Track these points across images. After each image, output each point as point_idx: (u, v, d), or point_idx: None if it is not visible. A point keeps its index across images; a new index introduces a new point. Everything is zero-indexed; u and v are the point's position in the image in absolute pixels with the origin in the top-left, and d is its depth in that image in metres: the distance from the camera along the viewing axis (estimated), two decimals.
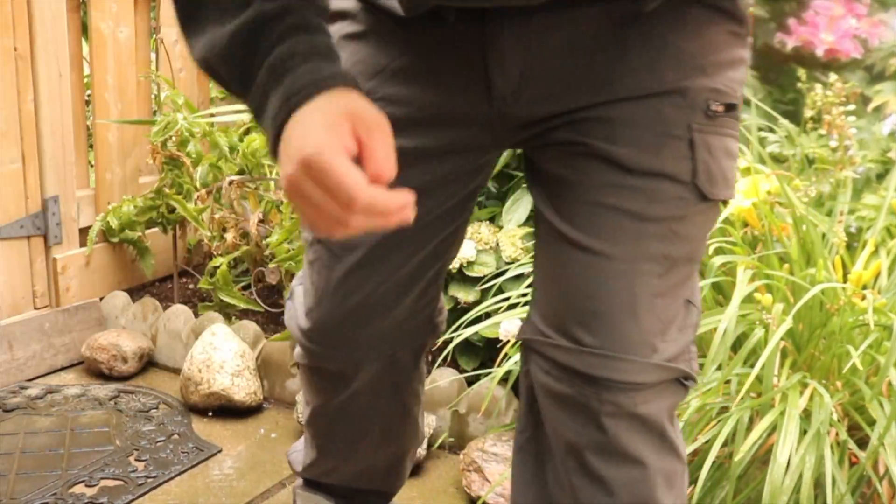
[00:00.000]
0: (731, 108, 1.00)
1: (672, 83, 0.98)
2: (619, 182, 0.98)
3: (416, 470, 1.92)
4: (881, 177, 2.12)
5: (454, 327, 1.93)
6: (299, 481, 1.56)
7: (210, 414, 2.14)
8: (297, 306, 1.27)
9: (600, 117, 0.98)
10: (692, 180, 0.98)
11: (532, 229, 1.65)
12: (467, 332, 1.83)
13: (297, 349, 1.30)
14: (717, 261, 1.61)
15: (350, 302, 1.14)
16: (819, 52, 2.49)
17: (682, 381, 1.02)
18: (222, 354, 2.15)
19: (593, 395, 0.97)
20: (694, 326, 1.04)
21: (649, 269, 0.98)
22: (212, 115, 2.61)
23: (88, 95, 2.59)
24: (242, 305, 2.40)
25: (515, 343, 1.18)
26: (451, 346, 1.89)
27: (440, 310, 1.28)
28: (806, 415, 1.42)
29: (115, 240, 2.52)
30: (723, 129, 1.00)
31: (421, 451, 1.90)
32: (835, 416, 1.45)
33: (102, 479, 1.87)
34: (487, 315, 1.89)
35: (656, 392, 0.99)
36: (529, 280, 1.89)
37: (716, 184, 1.00)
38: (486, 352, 2.03)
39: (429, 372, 2.08)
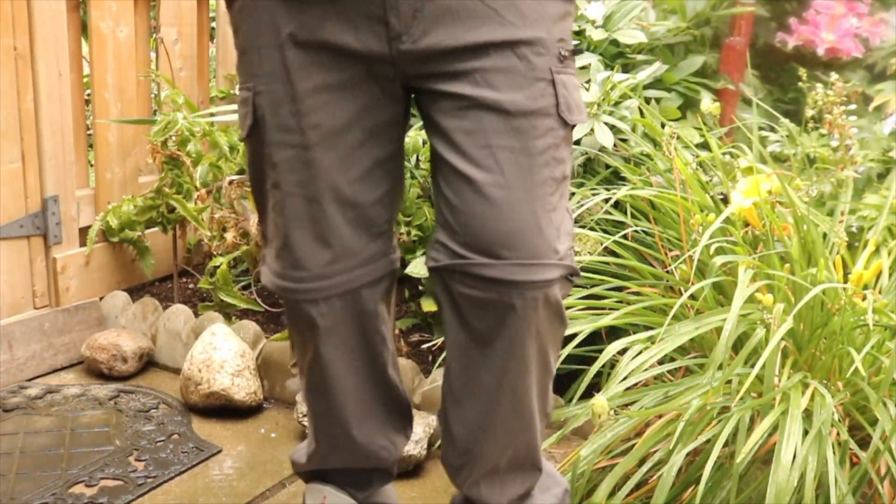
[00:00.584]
0: (573, 52, 1.28)
1: (533, 34, 1.22)
2: (507, 125, 1.22)
3: (417, 470, 1.92)
4: (882, 176, 2.11)
5: None
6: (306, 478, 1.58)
7: (210, 414, 2.14)
8: (267, 261, 1.40)
9: (482, 68, 1.22)
10: (557, 112, 1.25)
11: None
12: None
13: (286, 310, 1.43)
14: (718, 261, 1.60)
15: (309, 229, 1.31)
16: (820, 52, 2.49)
17: (569, 277, 1.30)
18: (222, 354, 2.14)
19: (517, 295, 1.24)
20: (572, 231, 1.32)
21: (543, 192, 1.25)
22: (212, 115, 2.61)
23: (88, 95, 2.58)
24: (242, 305, 2.40)
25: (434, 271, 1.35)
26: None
27: (394, 248, 1.43)
28: (807, 415, 1.42)
29: (115, 239, 2.52)
30: (570, 70, 1.27)
31: (421, 451, 1.90)
32: (836, 417, 1.45)
33: (102, 479, 1.87)
34: None
35: (559, 284, 1.28)
36: None
37: (573, 112, 1.27)
38: None
39: (429, 371, 2.07)
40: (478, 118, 1.23)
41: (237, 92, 1.37)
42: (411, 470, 1.92)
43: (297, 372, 1.53)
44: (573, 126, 1.29)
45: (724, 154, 2.03)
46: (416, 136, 2.17)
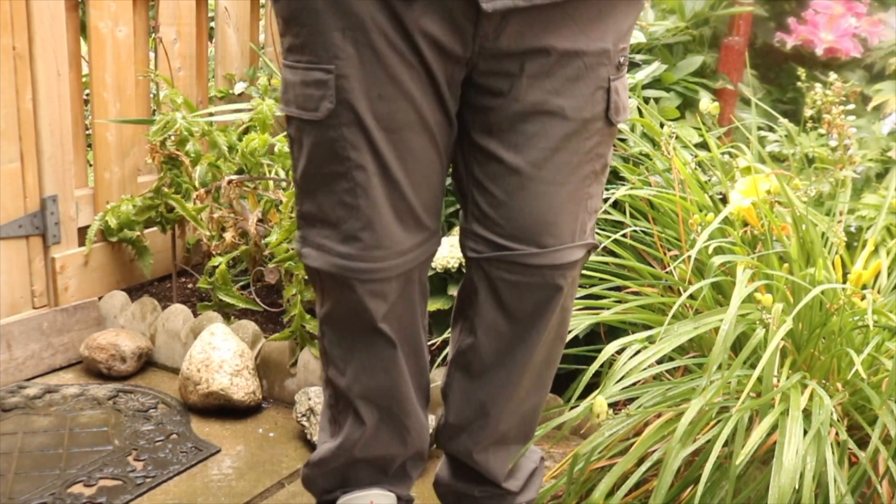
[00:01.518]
0: (628, 57, 1.37)
1: (601, 44, 1.30)
2: (567, 129, 1.32)
3: None
4: (881, 176, 2.12)
5: None
6: (335, 495, 1.59)
7: (209, 414, 2.14)
8: (322, 245, 1.38)
9: (551, 73, 1.29)
10: (606, 115, 1.34)
11: None
12: None
13: (331, 301, 1.45)
14: (717, 260, 1.60)
15: (391, 210, 1.35)
16: (819, 51, 2.49)
17: (595, 246, 1.45)
18: (221, 354, 2.14)
19: (560, 276, 1.39)
20: (599, 207, 1.45)
21: (585, 184, 1.37)
22: (210, 115, 2.61)
23: (87, 94, 2.58)
24: (241, 305, 2.40)
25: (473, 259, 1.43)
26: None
27: (439, 228, 1.48)
28: (806, 415, 1.42)
29: (114, 239, 2.52)
30: (623, 74, 1.36)
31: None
32: (834, 416, 1.45)
33: (101, 478, 1.87)
34: None
35: (583, 260, 1.44)
36: None
37: (620, 113, 1.37)
38: None
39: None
40: (542, 122, 1.32)
41: (289, 71, 1.33)
42: None
43: (338, 369, 1.52)
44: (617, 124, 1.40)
45: (722, 154, 2.04)
46: None
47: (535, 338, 1.45)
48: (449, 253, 2.11)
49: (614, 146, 2.08)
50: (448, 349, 1.60)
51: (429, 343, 2.16)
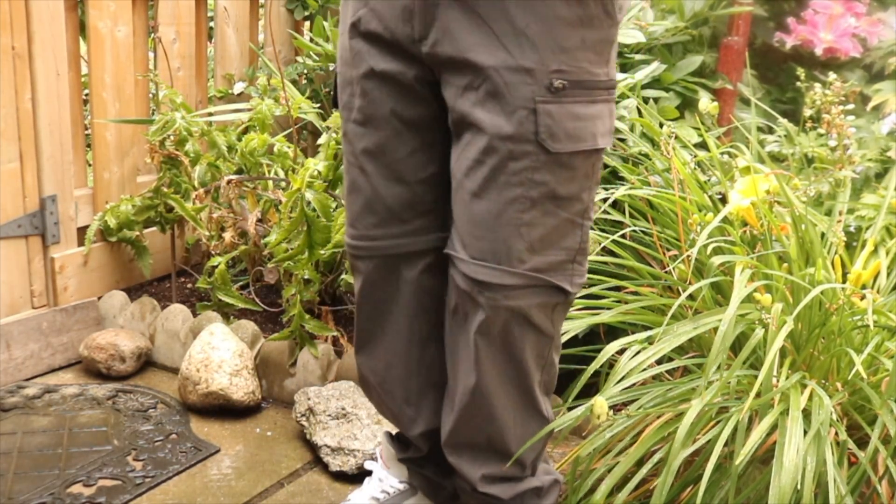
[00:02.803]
0: (578, 84, 1.32)
1: (523, 63, 1.29)
2: (488, 145, 1.33)
3: None
4: (880, 176, 2.12)
5: None
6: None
7: (208, 413, 2.14)
8: None
9: (480, 87, 1.32)
10: (536, 139, 1.31)
11: None
12: None
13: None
14: (716, 260, 1.60)
15: (360, 195, 1.50)
16: (818, 51, 2.49)
17: (557, 287, 1.40)
18: (220, 354, 2.14)
19: (478, 293, 1.38)
20: (574, 249, 1.40)
21: (514, 207, 1.34)
22: (210, 115, 2.61)
23: (86, 94, 2.58)
24: (241, 305, 2.40)
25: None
26: None
27: (444, 227, 1.51)
28: (805, 415, 1.42)
29: (113, 239, 2.52)
30: (567, 100, 1.32)
31: None
32: (834, 416, 1.45)
33: (100, 478, 1.87)
34: None
35: (524, 292, 1.38)
36: None
37: (559, 141, 1.32)
38: None
39: None
40: (472, 134, 1.36)
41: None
42: None
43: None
44: (570, 154, 1.34)
45: (722, 154, 2.04)
46: None
47: (465, 351, 1.45)
48: None
49: (614, 146, 2.09)
50: None
51: None
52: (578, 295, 1.85)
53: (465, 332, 1.44)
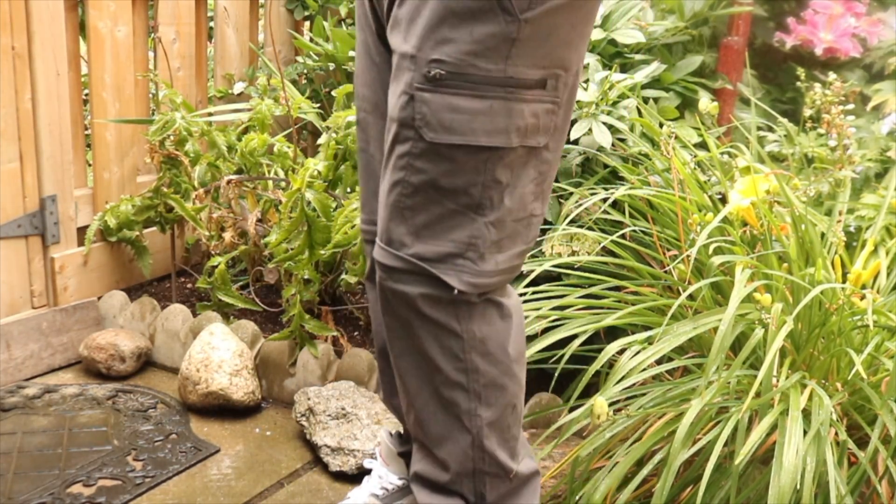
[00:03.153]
0: (459, 76, 1.29)
1: (407, 49, 1.31)
2: (388, 124, 1.37)
3: None
4: (880, 176, 2.12)
5: None
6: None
7: (208, 413, 2.14)
8: None
9: (394, 64, 1.35)
10: (413, 125, 1.31)
11: None
12: None
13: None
14: (716, 260, 1.60)
15: (367, 179, 1.58)
16: (818, 51, 2.49)
17: (440, 281, 1.36)
18: (220, 354, 2.14)
19: (377, 266, 1.41)
20: (464, 243, 1.36)
21: (398, 190, 1.36)
22: (210, 115, 2.61)
23: (86, 94, 2.58)
24: (241, 305, 2.39)
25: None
26: None
27: None
28: (805, 415, 1.42)
29: (113, 239, 2.52)
30: (446, 91, 1.29)
31: None
32: (834, 416, 1.45)
33: (100, 478, 1.87)
34: None
35: (408, 278, 1.37)
36: (528, 280, 1.89)
37: (435, 130, 1.31)
38: None
39: None
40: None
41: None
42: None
43: None
44: (449, 146, 1.31)
45: (722, 154, 2.04)
46: None
47: (387, 329, 1.46)
48: None
49: (613, 146, 2.09)
50: None
51: None
52: (579, 294, 1.85)
53: (383, 310, 1.45)
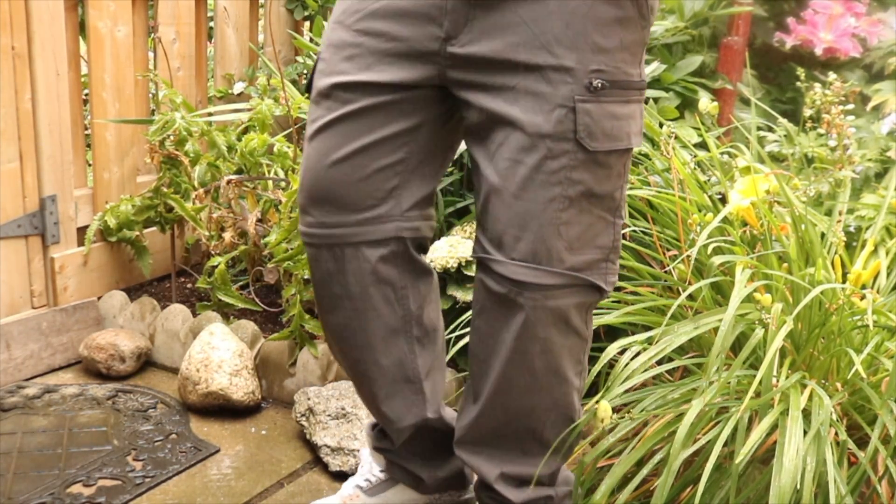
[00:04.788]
0: (615, 83, 1.35)
1: (562, 62, 1.32)
2: (524, 143, 1.35)
3: None
4: (880, 176, 2.12)
5: (452, 327, 1.93)
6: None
7: (208, 413, 2.14)
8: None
9: (515, 87, 1.34)
10: (574, 137, 1.34)
11: None
12: (466, 332, 1.83)
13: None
14: (716, 260, 1.60)
15: (316, 183, 1.46)
16: (818, 51, 2.49)
17: (592, 287, 1.42)
18: (220, 354, 2.14)
19: (518, 294, 1.39)
20: (608, 247, 1.43)
21: (553, 206, 1.36)
22: (210, 115, 2.61)
23: (86, 94, 2.58)
24: (240, 305, 2.39)
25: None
26: (449, 346, 1.89)
27: (409, 217, 1.51)
28: (805, 415, 1.42)
29: (113, 239, 2.52)
30: (605, 99, 1.34)
31: None
32: (834, 416, 1.45)
33: (100, 478, 1.87)
34: None
35: (564, 292, 1.40)
36: None
37: (596, 139, 1.35)
38: None
39: None
40: (505, 133, 1.36)
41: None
42: None
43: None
44: (606, 153, 1.37)
45: (722, 154, 2.04)
46: None
47: (502, 352, 1.45)
48: (448, 253, 2.11)
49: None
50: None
51: None
52: None
53: (501, 333, 1.44)
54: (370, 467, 1.74)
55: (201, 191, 2.42)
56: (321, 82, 1.46)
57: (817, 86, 1.94)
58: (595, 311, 1.82)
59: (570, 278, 1.40)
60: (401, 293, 1.54)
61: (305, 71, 2.89)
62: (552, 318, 1.41)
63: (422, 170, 1.49)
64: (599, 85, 1.34)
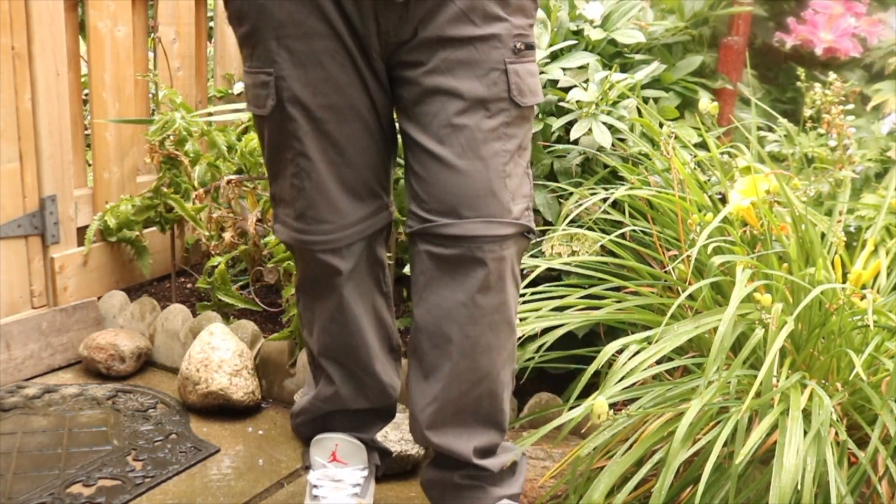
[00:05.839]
0: (528, 45, 1.48)
1: (491, 31, 1.43)
2: (464, 108, 1.44)
3: (415, 470, 1.92)
4: (880, 176, 2.11)
5: None
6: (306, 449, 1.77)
7: (208, 413, 2.14)
8: (284, 220, 1.59)
9: (447, 58, 1.43)
10: (509, 96, 1.45)
11: None
12: None
13: (299, 267, 1.65)
14: (716, 260, 1.60)
15: (333, 188, 1.53)
16: (818, 51, 2.49)
17: (526, 234, 1.51)
18: (220, 354, 2.14)
19: (477, 249, 1.45)
20: (529, 196, 1.53)
21: (497, 161, 1.46)
22: (209, 115, 2.61)
23: (86, 94, 2.58)
24: (240, 305, 2.39)
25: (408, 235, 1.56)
26: None
27: (390, 202, 1.64)
28: (805, 415, 1.42)
29: (113, 239, 2.52)
30: (525, 59, 1.47)
31: (419, 451, 1.90)
32: (834, 416, 1.45)
33: (100, 478, 1.87)
34: None
35: (513, 241, 1.49)
36: (528, 280, 1.88)
37: (525, 95, 1.47)
38: None
39: None
40: (441, 102, 1.45)
41: (246, 76, 1.54)
42: (410, 470, 1.92)
43: (308, 330, 1.70)
44: (530, 107, 1.50)
45: (722, 154, 2.03)
46: None
47: (462, 316, 1.50)
48: None
49: (613, 146, 2.09)
50: None
51: None
52: (579, 295, 1.85)
53: (457, 296, 1.49)
54: (352, 474, 1.73)
55: (201, 191, 2.42)
56: None
57: (817, 86, 1.94)
58: (594, 311, 1.82)
59: (517, 226, 1.49)
60: (385, 274, 1.68)
61: None
62: (507, 269, 1.50)
63: None
64: (522, 46, 1.46)
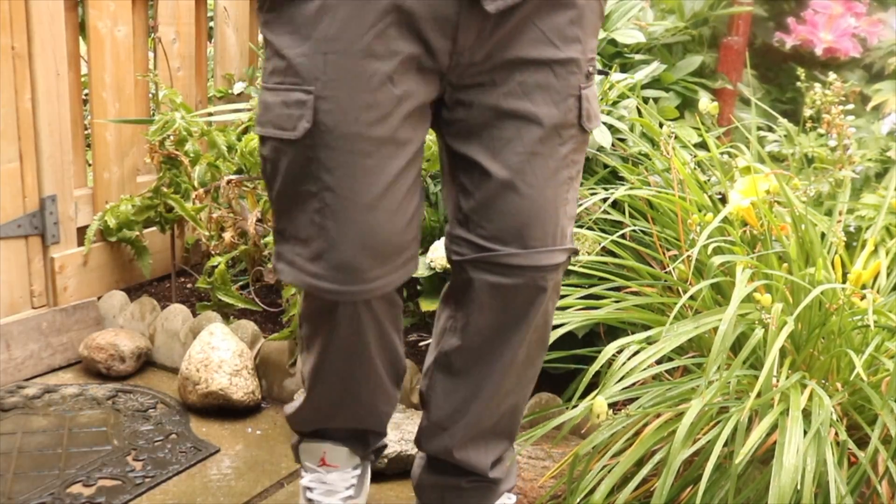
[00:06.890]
0: (595, 69, 1.45)
1: (570, 55, 1.37)
2: (539, 135, 1.38)
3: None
4: (880, 176, 2.11)
5: None
6: (296, 438, 1.70)
7: (208, 413, 2.14)
8: (293, 260, 1.39)
9: (524, 82, 1.36)
10: (578, 122, 1.41)
11: None
12: None
13: (307, 302, 1.49)
14: (717, 260, 1.60)
15: (363, 234, 1.34)
16: (818, 51, 2.49)
17: (575, 253, 1.50)
18: (220, 354, 2.14)
19: (541, 278, 1.42)
20: (574, 216, 1.50)
21: (562, 189, 1.43)
22: (209, 115, 2.61)
23: (86, 94, 2.58)
24: (240, 305, 2.39)
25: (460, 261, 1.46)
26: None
27: (414, 255, 1.48)
28: (805, 415, 1.42)
29: (113, 239, 2.52)
30: (593, 83, 1.44)
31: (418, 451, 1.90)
32: (834, 416, 1.45)
33: (100, 478, 1.87)
34: None
35: (565, 264, 1.48)
36: None
37: (591, 121, 1.44)
38: None
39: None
40: (516, 127, 1.37)
41: (269, 94, 1.34)
42: (409, 470, 1.92)
43: (309, 349, 1.56)
44: (591, 131, 1.46)
45: (722, 154, 2.03)
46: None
47: (517, 339, 1.48)
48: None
49: (613, 146, 2.09)
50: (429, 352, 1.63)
51: (426, 342, 2.16)
52: (579, 295, 1.85)
53: (518, 323, 1.46)
54: (342, 477, 1.70)
55: (201, 191, 2.42)
56: None
57: (817, 86, 1.94)
58: (595, 311, 1.82)
59: (569, 251, 1.47)
60: (396, 318, 1.58)
61: None
62: (557, 291, 1.50)
63: None
64: (593, 70, 1.43)
